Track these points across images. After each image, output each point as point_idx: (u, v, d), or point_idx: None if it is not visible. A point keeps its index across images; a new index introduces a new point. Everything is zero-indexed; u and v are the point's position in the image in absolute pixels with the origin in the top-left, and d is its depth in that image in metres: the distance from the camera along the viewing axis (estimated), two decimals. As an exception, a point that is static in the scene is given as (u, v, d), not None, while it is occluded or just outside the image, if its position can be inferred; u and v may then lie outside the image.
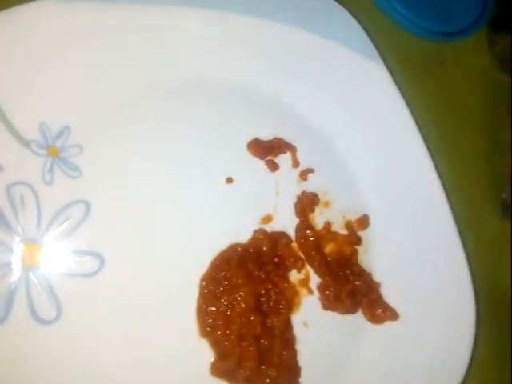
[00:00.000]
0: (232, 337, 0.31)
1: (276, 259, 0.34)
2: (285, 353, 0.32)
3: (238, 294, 0.32)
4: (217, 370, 0.31)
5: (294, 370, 0.32)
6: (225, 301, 0.32)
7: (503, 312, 0.38)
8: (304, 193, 0.36)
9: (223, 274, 0.32)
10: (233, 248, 0.34)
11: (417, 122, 0.38)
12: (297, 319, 0.34)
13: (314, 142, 0.37)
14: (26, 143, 0.30)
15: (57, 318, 0.29)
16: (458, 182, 0.40)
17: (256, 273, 0.33)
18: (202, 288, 0.32)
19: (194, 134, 0.35)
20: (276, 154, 0.37)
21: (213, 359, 0.31)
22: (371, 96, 0.37)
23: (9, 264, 0.29)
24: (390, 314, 0.35)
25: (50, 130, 0.31)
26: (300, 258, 0.35)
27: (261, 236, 0.34)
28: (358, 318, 0.35)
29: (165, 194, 0.33)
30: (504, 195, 0.42)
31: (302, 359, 0.33)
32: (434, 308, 0.35)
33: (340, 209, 0.37)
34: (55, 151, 0.31)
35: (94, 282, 0.31)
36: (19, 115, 0.30)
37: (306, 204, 0.36)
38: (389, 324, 0.35)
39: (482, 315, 0.35)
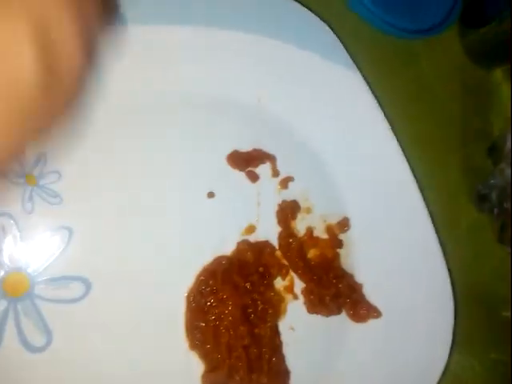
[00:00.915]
0: (222, 349, 0.32)
1: (261, 269, 0.35)
2: (274, 359, 0.33)
3: (225, 307, 0.33)
4: (208, 381, 0.32)
5: (283, 375, 0.34)
6: (212, 315, 0.33)
7: (481, 307, 0.40)
8: (285, 201, 0.37)
9: (209, 288, 0.33)
10: (218, 261, 0.34)
11: (390, 121, 0.38)
12: (284, 324, 0.35)
13: (291, 149, 0.37)
14: (3, 173, 0.30)
15: (47, 344, 0.30)
16: (433, 175, 0.41)
17: (242, 284, 0.34)
18: (189, 303, 0.33)
19: (172, 149, 0.35)
20: (256, 165, 0.37)
21: (203, 371, 0.32)
22: (344, 98, 0.38)
23: (-6, 295, 0.30)
24: (373, 313, 0.36)
25: (25, 158, 0.31)
26: (284, 266, 0.36)
27: (245, 247, 0.35)
28: (343, 318, 0.36)
29: (147, 212, 0.33)
30: (480, 187, 0.43)
31: (291, 363, 0.34)
32: (415, 305, 0.37)
33: (321, 214, 0.37)
34: (33, 179, 0.31)
35: (82, 306, 0.31)
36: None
37: (288, 212, 0.37)
38: (372, 323, 0.36)
39: (461, 311, 0.37)
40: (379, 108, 0.38)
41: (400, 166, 0.38)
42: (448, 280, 0.37)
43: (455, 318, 0.36)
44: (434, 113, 0.43)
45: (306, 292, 0.35)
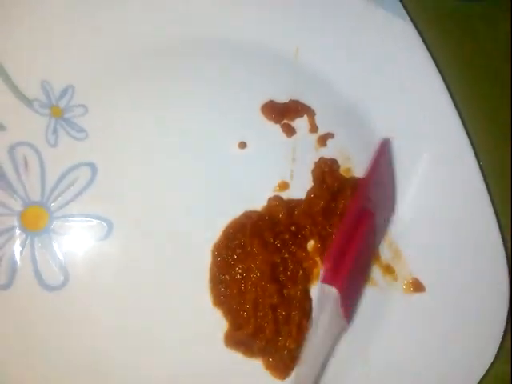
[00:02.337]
0: (247, 306, 0.30)
1: (293, 227, 0.32)
2: (304, 323, 0.30)
3: (252, 262, 0.30)
4: (232, 340, 0.29)
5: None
6: (239, 269, 0.30)
7: None
8: (322, 159, 0.34)
9: (237, 241, 0.31)
10: (247, 215, 0.32)
11: (448, 88, 0.35)
12: (316, 291, 0.32)
13: (334, 105, 0.35)
14: (28, 102, 0.29)
15: (63, 283, 0.28)
16: (496, 156, 0.37)
17: (272, 241, 0.31)
18: (214, 257, 0.31)
19: (204, 94, 0.33)
20: (292, 118, 0.34)
21: (227, 330, 0.30)
22: (397, 53, 0.34)
23: (12, 228, 0.28)
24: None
25: (52, 89, 0.29)
26: (318, 228, 0.33)
27: (276, 203, 0.32)
28: (384, 291, 0.33)
29: (174, 158, 0.32)
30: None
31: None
32: (464, 287, 0.33)
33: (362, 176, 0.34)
34: (59, 111, 0.30)
35: (102, 247, 0.29)
36: (21, 73, 0.29)
37: (325, 170, 0.34)
38: (416, 298, 0.33)
39: None
40: (433, 64, 0.35)
41: (461, 143, 0.34)
42: (506, 271, 0.33)
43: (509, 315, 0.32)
44: (490, 77, 0.40)
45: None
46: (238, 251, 0.31)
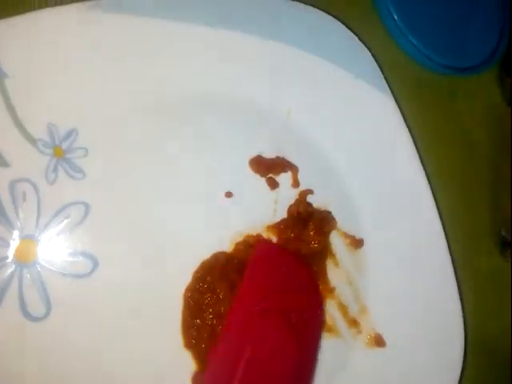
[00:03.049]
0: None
1: None
2: None
3: (223, 306, 0.32)
4: (198, 381, 0.31)
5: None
6: (210, 313, 0.32)
7: (492, 362, 0.38)
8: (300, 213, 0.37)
9: (206, 286, 0.32)
10: (215, 257, 0.34)
11: (419, 151, 0.38)
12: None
13: (317, 164, 0.37)
14: (33, 141, 0.31)
15: (46, 315, 0.30)
16: (459, 213, 0.40)
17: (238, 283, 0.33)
18: (186, 300, 0.32)
19: (198, 144, 0.35)
20: (277, 173, 0.37)
21: (195, 371, 0.31)
22: (377, 124, 0.38)
23: (4, 258, 0.30)
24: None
25: (57, 131, 0.32)
26: None
27: (241, 247, 0.34)
28: (347, 342, 0.35)
29: (163, 204, 0.34)
30: (503, 232, 0.42)
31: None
32: (422, 341, 0.35)
33: (335, 231, 0.37)
34: (61, 152, 0.32)
35: (85, 283, 0.31)
36: (30, 114, 0.31)
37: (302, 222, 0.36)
38: (376, 352, 0.35)
39: (470, 361, 0.35)
40: (409, 136, 0.38)
41: (425, 199, 0.37)
42: (461, 324, 0.36)
43: (462, 370, 0.35)
44: (466, 151, 0.43)
45: None
46: (208, 295, 0.32)
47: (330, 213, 0.37)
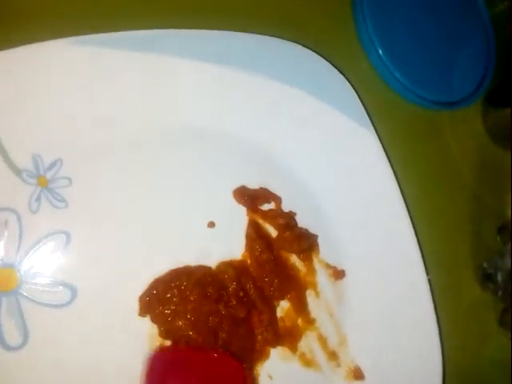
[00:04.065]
0: None
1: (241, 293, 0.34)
2: None
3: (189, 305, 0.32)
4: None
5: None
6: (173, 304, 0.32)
7: None
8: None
9: (178, 283, 0.33)
10: (200, 267, 0.34)
11: (400, 184, 0.39)
12: (262, 372, 0.34)
13: (299, 195, 0.38)
14: (18, 172, 0.31)
15: (22, 345, 0.30)
16: (440, 246, 0.41)
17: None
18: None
19: (182, 175, 0.36)
20: (261, 203, 0.37)
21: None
22: (360, 161, 0.39)
23: (-17, 287, 0.30)
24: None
25: (42, 161, 0.32)
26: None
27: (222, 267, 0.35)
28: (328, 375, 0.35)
29: (145, 235, 0.34)
30: (485, 266, 0.42)
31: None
32: (401, 375, 0.36)
33: (318, 259, 0.38)
34: (45, 182, 0.32)
35: (64, 313, 0.31)
36: (15, 145, 0.31)
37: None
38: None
39: None
40: (391, 172, 0.38)
41: (405, 232, 0.38)
42: (439, 358, 0.36)
43: None
44: (449, 183, 0.44)
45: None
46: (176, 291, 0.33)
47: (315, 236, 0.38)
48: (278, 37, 0.37)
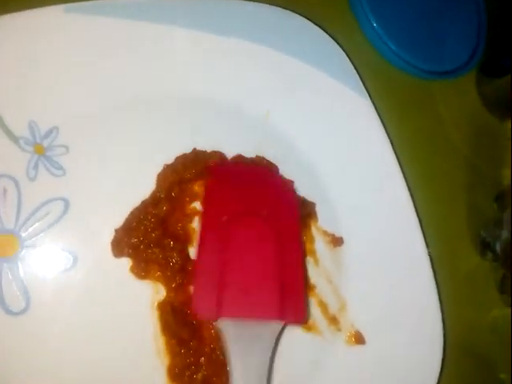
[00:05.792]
0: None
1: None
2: None
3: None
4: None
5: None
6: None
7: (472, 362, 0.38)
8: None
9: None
10: None
11: (397, 153, 0.39)
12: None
13: (296, 163, 0.38)
14: (15, 139, 0.32)
15: (24, 310, 0.30)
16: (437, 215, 0.41)
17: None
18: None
19: (179, 142, 0.36)
20: (258, 172, 0.38)
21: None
22: (355, 127, 0.39)
23: (-17, 253, 0.30)
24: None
25: (38, 129, 0.32)
26: None
27: None
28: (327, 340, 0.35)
29: (143, 197, 0.34)
30: (484, 234, 0.42)
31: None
32: (401, 339, 0.36)
33: (316, 226, 0.38)
34: (42, 149, 0.32)
35: (65, 278, 0.31)
36: (11, 112, 0.32)
37: None
38: (355, 349, 0.35)
39: (449, 362, 0.36)
40: (387, 138, 0.39)
41: (403, 200, 0.38)
42: (440, 323, 0.36)
43: (442, 369, 0.35)
44: (444, 153, 0.44)
45: None
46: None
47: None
48: (271, 4, 0.37)
